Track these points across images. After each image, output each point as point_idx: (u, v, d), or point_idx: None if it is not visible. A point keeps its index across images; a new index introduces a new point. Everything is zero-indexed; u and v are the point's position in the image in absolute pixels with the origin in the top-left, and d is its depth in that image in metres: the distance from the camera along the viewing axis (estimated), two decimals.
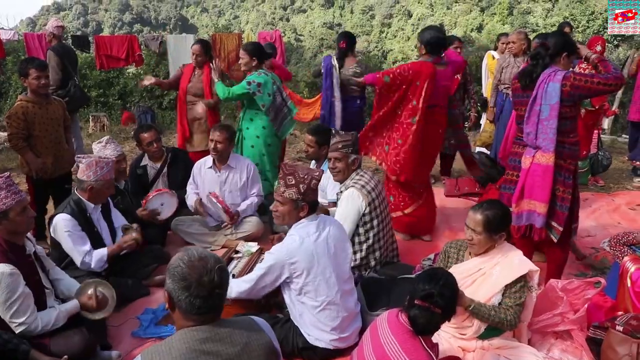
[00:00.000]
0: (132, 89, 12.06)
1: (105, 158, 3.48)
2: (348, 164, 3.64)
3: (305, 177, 2.80)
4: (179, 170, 4.71)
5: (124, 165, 4.31)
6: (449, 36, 5.63)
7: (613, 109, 8.34)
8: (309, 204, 2.83)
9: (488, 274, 2.74)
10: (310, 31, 70.39)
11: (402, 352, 2.21)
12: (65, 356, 2.47)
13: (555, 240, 3.33)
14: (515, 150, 3.57)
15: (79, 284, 3.00)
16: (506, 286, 2.68)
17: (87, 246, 3.34)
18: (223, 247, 4.39)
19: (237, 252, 3.86)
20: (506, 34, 7.00)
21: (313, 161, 4.46)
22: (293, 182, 2.79)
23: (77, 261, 3.32)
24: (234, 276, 3.31)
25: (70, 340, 2.66)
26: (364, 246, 3.59)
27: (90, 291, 2.86)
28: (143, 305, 3.52)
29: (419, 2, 70.63)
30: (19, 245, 2.69)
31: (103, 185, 3.42)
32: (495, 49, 7.24)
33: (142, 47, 10.50)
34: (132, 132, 6.30)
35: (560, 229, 3.29)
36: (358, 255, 3.59)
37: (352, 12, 78.19)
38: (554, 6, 50.61)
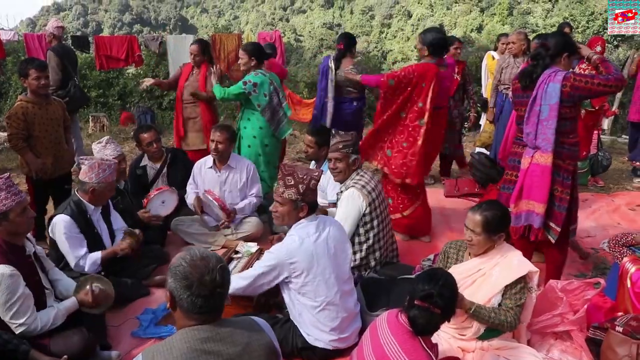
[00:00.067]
0: (132, 89, 12.05)
1: (107, 160, 3.49)
2: (349, 164, 3.64)
3: (305, 177, 2.80)
4: (178, 170, 4.71)
5: (123, 166, 4.31)
6: (449, 37, 5.63)
7: (613, 109, 8.35)
8: (308, 205, 2.83)
9: (488, 274, 2.74)
10: (310, 31, 70.36)
11: (402, 352, 2.21)
12: (65, 356, 2.48)
13: (553, 241, 3.33)
14: (515, 151, 3.57)
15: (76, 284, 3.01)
16: (506, 287, 2.68)
17: (83, 250, 3.34)
18: (223, 247, 4.40)
19: (236, 252, 3.86)
20: (506, 35, 6.99)
21: (313, 162, 4.46)
22: (292, 182, 2.79)
23: (72, 263, 3.32)
24: None
25: (70, 340, 2.66)
26: (364, 246, 3.59)
27: (87, 287, 2.86)
28: (143, 305, 3.52)
29: (418, 3, 70.61)
30: (19, 246, 2.69)
31: (105, 188, 3.43)
32: (495, 49, 7.25)
33: (141, 47, 10.49)
34: (132, 133, 6.30)
35: (558, 229, 3.29)
36: (358, 256, 3.59)
37: (351, 12, 78.18)
38: (553, 7, 50.59)
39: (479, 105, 6.91)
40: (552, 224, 3.30)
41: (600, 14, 36.07)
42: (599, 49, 5.53)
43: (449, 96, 5.32)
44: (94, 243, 3.42)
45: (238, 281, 2.87)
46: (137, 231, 3.69)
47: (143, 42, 11.04)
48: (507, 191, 3.53)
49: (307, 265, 2.74)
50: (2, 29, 16.21)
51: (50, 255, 3.33)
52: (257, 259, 3.70)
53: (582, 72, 5.14)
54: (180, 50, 9.84)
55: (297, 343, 2.90)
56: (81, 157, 3.61)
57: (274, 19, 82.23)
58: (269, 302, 3.26)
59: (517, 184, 3.37)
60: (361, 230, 3.58)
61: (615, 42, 23.56)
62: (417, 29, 55.85)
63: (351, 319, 2.96)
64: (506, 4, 54.03)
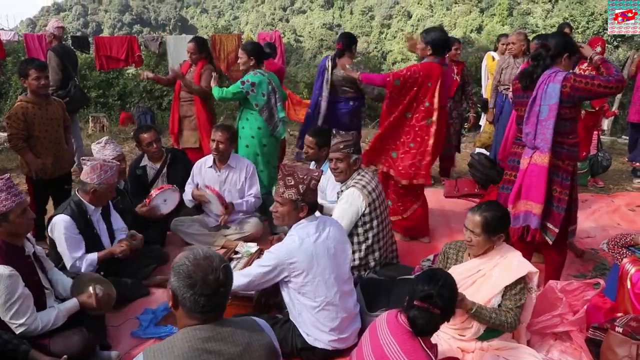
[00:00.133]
0: (132, 89, 12.06)
1: (110, 162, 3.51)
2: (350, 164, 3.65)
3: (305, 177, 2.80)
4: (178, 170, 4.71)
5: (123, 166, 4.31)
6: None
7: (613, 110, 8.36)
8: (308, 205, 2.83)
9: (487, 275, 2.74)
10: (309, 32, 70.39)
11: (401, 352, 2.21)
12: (65, 356, 2.48)
13: (550, 243, 3.32)
14: (514, 151, 3.57)
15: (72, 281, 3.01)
16: (506, 287, 2.68)
17: (80, 252, 3.34)
18: (222, 247, 4.40)
19: (236, 252, 3.86)
20: (506, 35, 6.99)
21: (313, 162, 4.46)
22: (292, 182, 2.79)
23: (68, 264, 3.33)
24: None
25: (70, 340, 2.66)
26: (363, 246, 3.60)
27: (90, 289, 2.86)
28: (143, 305, 3.52)
29: (418, 3, 70.64)
30: (19, 247, 2.69)
31: (106, 189, 3.44)
32: (495, 49, 7.25)
33: (141, 47, 10.50)
34: (132, 133, 6.31)
35: (556, 230, 3.29)
36: (357, 255, 3.59)
37: (351, 12, 78.20)
38: (553, 7, 50.61)
39: (479, 106, 6.92)
40: (550, 225, 3.30)
41: (600, 15, 36.09)
42: (599, 49, 5.52)
43: (449, 97, 5.32)
44: (93, 243, 3.43)
45: (238, 278, 2.86)
46: (139, 236, 3.71)
47: (143, 43, 11.04)
48: (507, 191, 3.53)
49: (307, 266, 2.75)
50: (2, 29, 16.21)
51: (50, 255, 3.33)
52: (257, 259, 3.70)
53: (583, 72, 5.15)
54: (180, 51, 9.84)
55: (297, 343, 2.90)
56: (83, 157, 3.62)
57: (273, 19, 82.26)
58: (269, 302, 3.26)
59: (515, 184, 3.37)
60: (360, 230, 3.58)
61: (615, 43, 23.55)
62: (417, 29, 55.87)
63: (351, 319, 2.96)
64: (506, 4, 54.05)
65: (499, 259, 2.74)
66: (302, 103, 9.47)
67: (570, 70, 3.29)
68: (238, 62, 4.99)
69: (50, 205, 4.56)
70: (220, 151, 4.39)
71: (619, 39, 23.09)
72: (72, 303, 2.80)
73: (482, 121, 7.35)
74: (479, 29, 54.26)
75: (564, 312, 2.86)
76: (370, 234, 3.59)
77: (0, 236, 2.60)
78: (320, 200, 3.54)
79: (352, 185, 3.58)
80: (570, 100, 3.13)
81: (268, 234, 4.55)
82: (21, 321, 2.55)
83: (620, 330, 2.70)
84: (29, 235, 2.85)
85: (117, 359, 2.93)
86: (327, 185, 4.17)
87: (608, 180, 6.63)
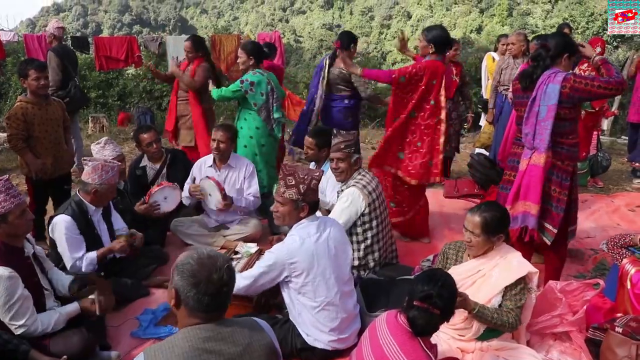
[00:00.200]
0: (132, 90, 12.06)
1: (111, 162, 3.51)
2: (351, 164, 3.65)
3: (306, 177, 2.80)
4: (178, 171, 4.71)
5: (122, 166, 4.31)
6: None
7: (612, 110, 8.36)
8: (309, 205, 2.84)
9: (487, 275, 2.74)
10: (309, 32, 70.38)
11: (401, 353, 2.21)
12: (65, 356, 2.48)
13: (548, 243, 3.31)
14: (514, 151, 3.56)
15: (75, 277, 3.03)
16: (506, 288, 2.68)
17: (81, 252, 3.35)
18: (222, 248, 4.40)
19: (236, 252, 3.86)
20: (506, 36, 6.98)
21: (312, 162, 4.45)
22: (293, 182, 2.79)
23: (68, 264, 3.33)
24: None
25: (70, 341, 2.66)
26: (362, 246, 3.60)
27: (92, 297, 2.85)
28: (142, 305, 3.52)
29: (418, 4, 70.68)
30: (18, 248, 2.70)
31: (107, 190, 3.45)
32: (496, 50, 7.24)
33: (141, 48, 10.49)
34: (132, 133, 6.31)
35: (555, 231, 3.28)
36: (356, 255, 3.58)
37: (351, 13, 78.25)
38: (553, 7, 50.67)
39: (479, 106, 6.92)
40: (548, 225, 3.29)
41: (600, 15, 36.12)
42: (599, 49, 5.53)
43: (449, 98, 5.31)
44: (94, 244, 3.43)
45: (240, 280, 2.86)
46: (139, 234, 3.72)
47: (142, 43, 11.03)
48: (507, 191, 3.52)
49: (308, 266, 2.75)
50: (2, 29, 16.19)
51: (50, 255, 3.34)
52: (257, 259, 3.70)
53: (583, 72, 5.15)
54: (180, 51, 9.76)
55: (297, 343, 2.90)
56: (84, 157, 3.62)
57: (273, 19, 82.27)
58: (268, 302, 3.26)
59: (513, 185, 3.35)
60: (359, 230, 3.58)
61: (615, 43, 23.57)
62: (416, 29, 55.88)
63: (351, 319, 2.96)
64: (506, 4, 54.09)
65: (498, 260, 2.74)
66: (302, 103, 9.45)
67: (570, 71, 3.29)
68: (237, 61, 5.00)
69: (50, 206, 4.56)
70: (221, 150, 4.39)
71: (619, 40, 23.12)
72: (73, 307, 2.80)
73: (482, 121, 7.35)
74: (479, 30, 54.31)
75: (563, 313, 2.86)
76: (369, 234, 3.59)
77: None
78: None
79: (353, 185, 3.59)
80: (570, 101, 3.13)
81: (268, 234, 4.55)
82: (21, 322, 2.55)
83: (620, 330, 2.70)
84: (29, 235, 2.85)
85: (117, 359, 2.93)
86: (327, 185, 4.17)
87: (608, 180, 6.63)
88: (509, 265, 2.71)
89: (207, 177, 4.39)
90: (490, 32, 42.35)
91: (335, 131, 3.81)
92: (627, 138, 7.64)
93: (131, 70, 12.42)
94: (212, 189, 4.34)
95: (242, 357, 1.69)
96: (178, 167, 4.74)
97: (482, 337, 2.72)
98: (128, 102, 12.08)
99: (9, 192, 2.59)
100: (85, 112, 10.31)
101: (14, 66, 10.96)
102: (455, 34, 43.56)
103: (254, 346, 1.74)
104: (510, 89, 4.63)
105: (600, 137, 6.80)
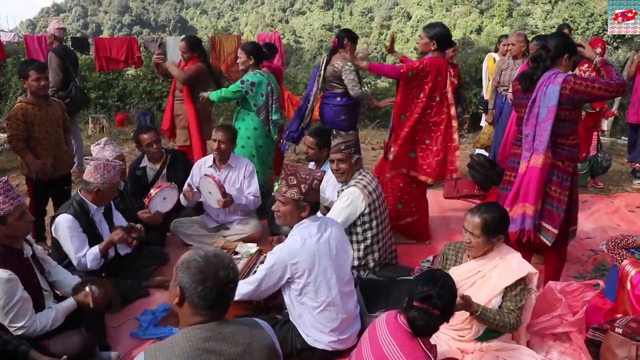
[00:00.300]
0: (132, 90, 12.08)
1: (113, 161, 3.53)
2: (352, 164, 3.65)
3: (307, 177, 2.80)
4: (178, 171, 4.71)
5: (123, 167, 4.32)
6: None
7: (612, 110, 8.37)
8: (310, 204, 2.84)
9: (487, 276, 2.74)
10: (309, 33, 70.44)
11: (401, 353, 2.21)
12: (65, 357, 2.48)
13: (548, 244, 3.31)
14: (514, 152, 3.55)
15: (80, 279, 3.03)
16: (506, 289, 2.68)
17: (85, 249, 3.36)
18: (222, 248, 4.39)
19: (236, 253, 3.86)
20: (506, 36, 6.98)
21: (312, 162, 4.45)
22: (295, 182, 2.79)
23: (74, 262, 3.35)
24: None
25: (69, 341, 2.66)
26: (362, 246, 3.60)
27: (86, 289, 2.86)
28: (142, 306, 3.52)
29: (418, 4, 70.74)
30: (17, 249, 2.69)
31: (109, 189, 3.46)
32: (496, 51, 7.24)
33: (141, 48, 10.50)
34: (132, 134, 6.31)
35: (555, 231, 3.27)
36: (355, 255, 3.58)
37: (351, 14, 78.29)
38: (553, 8, 50.72)
39: (480, 107, 6.92)
40: (548, 226, 3.28)
41: (600, 15, 36.17)
42: (599, 50, 5.53)
43: None
44: (95, 243, 3.43)
45: (243, 286, 2.86)
46: (138, 225, 3.72)
47: (142, 44, 11.04)
48: (507, 192, 3.51)
49: (309, 266, 2.75)
50: (2, 30, 16.20)
51: (52, 255, 3.34)
52: (257, 259, 3.71)
53: (583, 73, 5.14)
54: (178, 52, 9.86)
55: (297, 344, 2.90)
56: (86, 157, 3.64)
57: (273, 20, 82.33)
58: (268, 303, 3.26)
59: (513, 187, 3.33)
60: (359, 230, 3.58)
61: (615, 44, 23.59)
62: (416, 30, 56.01)
63: (351, 320, 2.96)
64: (506, 5, 54.15)
65: (498, 260, 2.74)
66: None
67: (570, 72, 3.28)
68: (237, 62, 5.00)
69: (50, 207, 4.56)
70: (221, 151, 4.40)
71: (619, 40, 23.14)
72: (69, 302, 2.81)
73: (482, 122, 7.35)
74: (479, 30, 54.35)
75: (563, 313, 2.86)
76: (369, 234, 3.59)
77: None
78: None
79: (353, 185, 3.58)
80: (570, 102, 3.12)
81: (267, 235, 4.55)
82: (20, 324, 2.55)
83: (620, 331, 2.69)
84: (29, 237, 2.85)
85: (117, 359, 2.93)
86: (327, 186, 4.17)
87: (608, 181, 6.63)
88: (508, 266, 2.71)
89: (205, 175, 4.39)
90: (490, 33, 42.42)
91: (334, 132, 3.80)
92: (627, 139, 7.64)
93: (131, 71, 12.44)
94: (212, 187, 4.34)
95: (243, 357, 1.70)
96: (178, 167, 4.74)
97: (481, 338, 2.72)
98: (128, 102, 12.10)
99: (8, 194, 2.59)
100: (85, 112, 10.32)
101: (14, 67, 10.98)
102: (455, 34, 43.60)
103: (255, 346, 1.74)
104: (510, 90, 4.63)
105: (601, 137, 6.80)
